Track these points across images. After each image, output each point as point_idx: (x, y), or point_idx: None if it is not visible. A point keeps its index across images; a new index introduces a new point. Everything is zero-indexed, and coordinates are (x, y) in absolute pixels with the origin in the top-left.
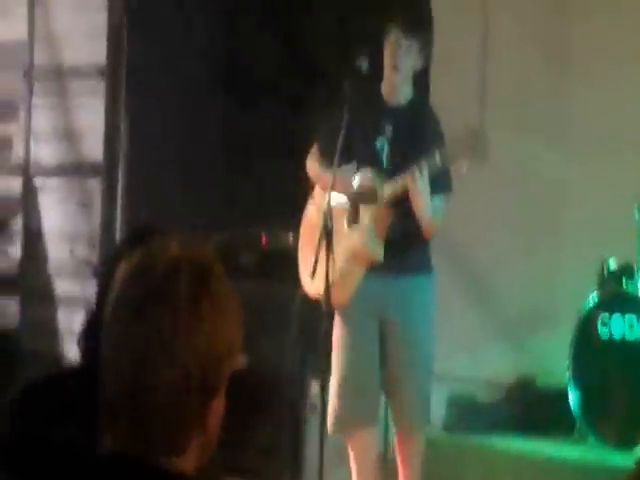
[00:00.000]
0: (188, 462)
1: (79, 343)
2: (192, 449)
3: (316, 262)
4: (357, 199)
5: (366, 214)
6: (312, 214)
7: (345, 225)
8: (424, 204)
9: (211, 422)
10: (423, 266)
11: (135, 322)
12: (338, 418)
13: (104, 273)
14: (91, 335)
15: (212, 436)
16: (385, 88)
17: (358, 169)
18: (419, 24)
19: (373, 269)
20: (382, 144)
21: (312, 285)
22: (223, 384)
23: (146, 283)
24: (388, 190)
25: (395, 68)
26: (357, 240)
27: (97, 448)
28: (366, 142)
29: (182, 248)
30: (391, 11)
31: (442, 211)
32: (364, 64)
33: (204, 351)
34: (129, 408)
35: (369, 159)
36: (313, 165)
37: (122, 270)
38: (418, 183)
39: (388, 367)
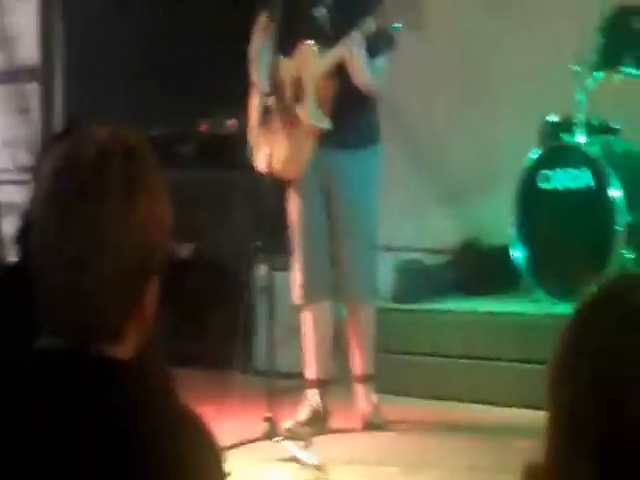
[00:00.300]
0: (126, 350)
1: (14, 243)
2: (130, 336)
3: (255, 143)
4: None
5: (312, 87)
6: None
7: (290, 100)
8: (360, 69)
9: (147, 307)
10: (369, 139)
11: (67, 213)
12: (300, 289)
13: (34, 171)
14: (25, 234)
15: (148, 321)
16: None
17: (303, 40)
18: None
19: (321, 143)
20: (322, 13)
21: (262, 164)
22: (157, 268)
23: (76, 174)
24: (327, 60)
25: None
26: (302, 113)
27: (33, 345)
28: (307, 12)
29: (110, 135)
30: None
31: (384, 71)
32: None
33: (138, 237)
34: (64, 300)
35: (312, 29)
36: (254, 41)
37: (49, 163)
38: (352, 49)
39: (333, 239)
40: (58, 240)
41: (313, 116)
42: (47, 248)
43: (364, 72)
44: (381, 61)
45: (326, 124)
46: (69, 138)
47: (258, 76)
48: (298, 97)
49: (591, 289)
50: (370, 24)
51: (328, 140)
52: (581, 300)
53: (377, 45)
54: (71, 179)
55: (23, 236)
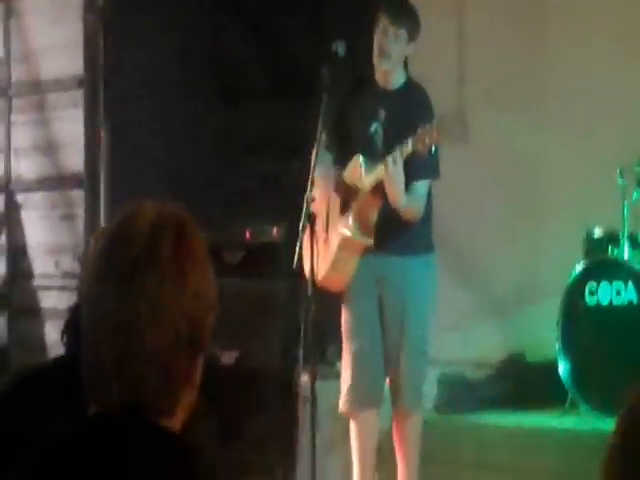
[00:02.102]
0: (176, 423)
1: (64, 333)
2: (179, 411)
3: (300, 250)
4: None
5: (356, 202)
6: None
7: (338, 212)
8: (395, 191)
9: (195, 382)
10: (418, 246)
11: (121, 289)
12: (347, 396)
13: (85, 257)
14: (72, 327)
15: (194, 393)
16: (378, 75)
17: (356, 154)
18: (406, 12)
19: (375, 248)
20: (376, 128)
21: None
22: (205, 343)
23: (129, 248)
24: (371, 176)
25: (384, 55)
26: (345, 228)
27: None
28: (362, 127)
29: (157, 211)
30: (380, 6)
31: (423, 196)
32: (340, 49)
33: (190, 308)
34: (119, 375)
35: (364, 144)
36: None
37: (101, 239)
38: (390, 171)
39: (385, 347)
40: (112, 313)
41: (354, 231)
42: (101, 321)
43: (398, 193)
44: (421, 185)
45: (367, 240)
46: (120, 215)
47: (310, 184)
48: (344, 210)
49: (632, 403)
50: (408, 145)
51: (382, 246)
52: (622, 414)
53: (418, 168)
54: (125, 253)
55: (71, 329)
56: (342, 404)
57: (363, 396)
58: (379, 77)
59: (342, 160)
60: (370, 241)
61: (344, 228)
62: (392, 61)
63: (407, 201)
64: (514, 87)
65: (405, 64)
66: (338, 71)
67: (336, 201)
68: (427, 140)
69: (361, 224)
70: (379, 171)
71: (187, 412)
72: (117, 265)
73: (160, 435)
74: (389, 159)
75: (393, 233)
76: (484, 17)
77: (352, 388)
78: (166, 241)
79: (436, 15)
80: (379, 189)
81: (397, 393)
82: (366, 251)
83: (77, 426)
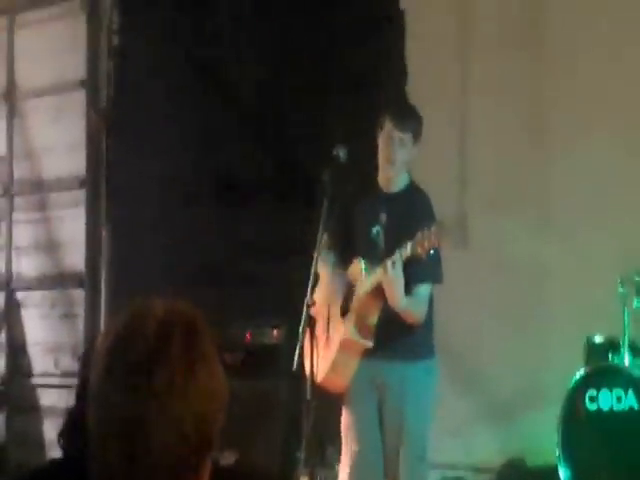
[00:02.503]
0: None
1: (62, 435)
2: None
3: (301, 350)
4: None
5: (356, 304)
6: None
7: (339, 314)
8: (395, 296)
9: (205, 477)
10: (420, 352)
11: (129, 387)
12: None
13: (87, 359)
14: (76, 426)
15: None
16: (381, 179)
17: (357, 257)
18: (410, 115)
19: (372, 354)
20: (378, 231)
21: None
22: (213, 443)
23: (139, 346)
24: (371, 279)
25: (390, 162)
26: (345, 330)
27: None
28: (363, 230)
29: (167, 308)
30: (384, 112)
31: (425, 300)
32: (342, 153)
33: (199, 409)
34: (126, 474)
35: (366, 247)
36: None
37: (107, 339)
38: (389, 274)
39: (385, 451)
40: (119, 411)
41: (353, 333)
42: (108, 419)
43: (397, 296)
44: (424, 289)
45: (367, 342)
46: (129, 311)
47: (310, 288)
48: (346, 310)
49: None
50: (407, 249)
51: (379, 351)
52: None
53: (420, 272)
54: (134, 351)
55: (69, 431)
56: None
57: None
58: (381, 180)
59: (344, 262)
60: (370, 344)
61: (344, 330)
62: (397, 166)
63: (407, 303)
64: (515, 192)
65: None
66: (340, 176)
67: (337, 303)
68: (426, 244)
69: (361, 326)
70: (378, 274)
71: None
72: (126, 362)
73: None
74: (388, 262)
75: (394, 337)
76: (486, 121)
77: None
78: (176, 339)
79: (438, 119)
80: (379, 291)
81: None
82: (366, 354)
83: None
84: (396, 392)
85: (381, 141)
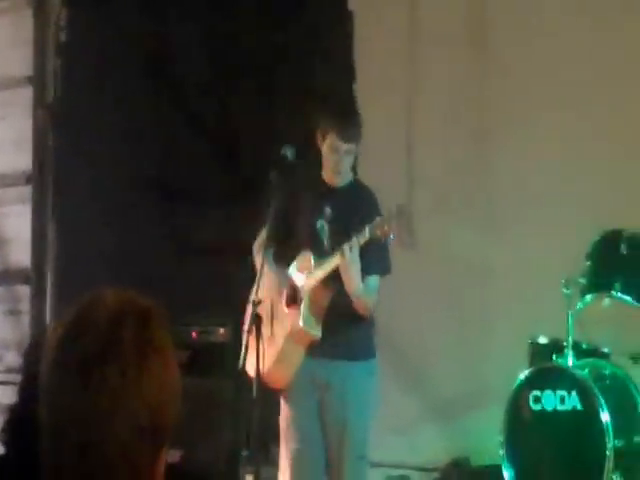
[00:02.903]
0: None
1: (4, 431)
2: None
3: (245, 353)
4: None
5: (306, 294)
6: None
7: (284, 305)
8: (353, 280)
9: (161, 474)
10: (362, 352)
11: (80, 383)
12: None
13: (31, 355)
14: (19, 422)
15: None
16: (327, 177)
17: (303, 250)
18: (354, 124)
19: (312, 352)
20: (322, 225)
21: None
22: (168, 435)
23: (90, 339)
24: (322, 268)
25: (337, 172)
26: (294, 319)
27: None
28: (307, 224)
29: (119, 298)
30: (327, 121)
31: (375, 291)
32: (289, 153)
33: (153, 401)
34: (79, 468)
35: (310, 240)
36: (256, 252)
37: (58, 331)
38: (347, 258)
39: (325, 451)
40: (71, 405)
41: (305, 321)
42: (60, 413)
43: (355, 279)
44: (374, 280)
45: (317, 332)
46: (80, 302)
47: (256, 286)
48: (290, 304)
49: None
50: (365, 233)
51: (322, 350)
52: None
53: (371, 263)
54: (85, 343)
55: (11, 427)
56: None
57: None
58: (326, 175)
59: (283, 257)
60: (319, 334)
61: (292, 321)
62: (344, 174)
63: (363, 290)
64: (462, 192)
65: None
66: (287, 175)
67: (280, 299)
68: (385, 228)
69: (309, 317)
70: (332, 261)
71: None
72: (76, 355)
73: None
74: (346, 246)
75: (337, 336)
76: (433, 121)
77: None
78: (128, 329)
79: (386, 119)
80: (329, 281)
81: None
82: (308, 352)
83: None
84: (338, 391)
85: (325, 150)
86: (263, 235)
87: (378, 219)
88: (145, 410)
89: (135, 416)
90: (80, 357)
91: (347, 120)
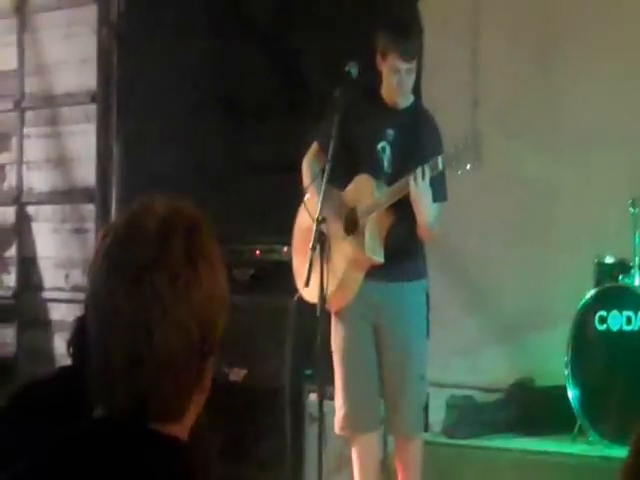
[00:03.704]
0: (184, 430)
1: (71, 344)
2: (188, 416)
3: (309, 271)
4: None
5: (366, 218)
6: (303, 220)
7: (342, 231)
8: (426, 208)
9: (205, 386)
10: (416, 273)
11: (130, 289)
12: (343, 421)
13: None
14: (85, 333)
15: (203, 398)
16: (388, 98)
17: (360, 172)
18: (415, 49)
19: (369, 275)
20: (383, 147)
21: (309, 292)
22: (216, 345)
23: (140, 247)
24: (388, 194)
25: (400, 92)
26: (357, 245)
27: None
28: (368, 145)
29: (169, 207)
30: (386, 41)
31: (437, 219)
32: (353, 70)
33: (202, 309)
34: (129, 377)
35: (370, 163)
36: (307, 168)
37: (107, 239)
38: (420, 187)
39: (382, 373)
40: (121, 314)
41: (370, 248)
42: (109, 322)
43: (429, 210)
44: (435, 208)
45: (381, 258)
46: (129, 211)
47: (312, 204)
48: (351, 229)
49: None
50: (438, 164)
51: (377, 273)
52: (637, 433)
53: (433, 190)
54: (134, 251)
55: (77, 339)
56: (338, 429)
57: (360, 421)
58: (387, 96)
59: (339, 178)
60: (381, 259)
61: (354, 247)
62: (407, 94)
63: (434, 221)
64: (527, 113)
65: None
66: (351, 92)
67: (337, 221)
68: (461, 158)
69: (373, 243)
70: (400, 188)
71: (195, 418)
72: (126, 264)
73: (165, 445)
74: (418, 173)
75: (393, 261)
76: (497, 42)
77: (348, 414)
78: (178, 240)
79: (449, 40)
80: (395, 206)
81: (397, 419)
82: (367, 274)
83: (81, 429)
84: (393, 313)
85: (386, 71)
86: (314, 148)
87: (453, 150)
88: (194, 320)
89: (184, 326)
90: (130, 264)
91: (406, 39)
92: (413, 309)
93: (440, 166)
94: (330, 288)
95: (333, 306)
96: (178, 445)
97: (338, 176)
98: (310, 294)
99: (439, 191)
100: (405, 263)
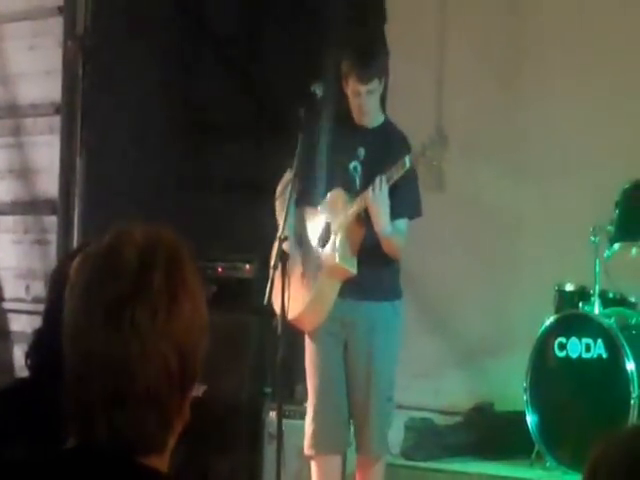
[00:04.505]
0: (164, 461)
1: (29, 356)
2: (168, 447)
3: (271, 285)
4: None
5: (340, 231)
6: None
7: (317, 244)
8: (380, 218)
9: (187, 411)
10: (391, 291)
11: (109, 324)
12: (311, 438)
13: (56, 278)
14: (43, 346)
15: (182, 425)
16: (356, 119)
17: (330, 188)
18: (375, 71)
19: (342, 293)
20: (355, 166)
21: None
22: (198, 369)
23: (118, 283)
24: (355, 205)
25: (363, 113)
26: (329, 254)
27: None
28: (340, 165)
29: (147, 237)
30: (346, 65)
31: (404, 233)
32: (318, 90)
33: (182, 340)
34: (109, 412)
35: (342, 181)
36: (280, 195)
37: (83, 272)
38: (377, 196)
39: (349, 391)
40: (100, 349)
41: (342, 257)
42: (88, 358)
43: (383, 217)
44: (402, 222)
45: (353, 268)
46: (105, 240)
47: (281, 222)
48: (324, 243)
49: (600, 445)
50: (393, 171)
51: (349, 290)
52: (591, 456)
53: (401, 205)
54: (113, 285)
55: (35, 352)
56: (306, 448)
57: (327, 441)
58: (357, 118)
59: (310, 195)
60: (354, 270)
61: (328, 258)
62: (371, 113)
63: (392, 231)
64: (491, 137)
65: (382, 100)
66: (316, 112)
67: (311, 236)
68: (427, 153)
69: (345, 254)
70: (364, 197)
71: (172, 448)
72: (106, 298)
73: (149, 478)
74: (376, 182)
75: (365, 278)
76: (463, 65)
77: (316, 432)
78: (158, 272)
79: (415, 63)
80: (362, 219)
81: (363, 439)
82: (340, 292)
83: (57, 457)
84: (364, 332)
85: (349, 93)
86: (287, 177)
87: (419, 146)
88: (174, 352)
89: (165, 360)
90: (110, 299)
91: (363, 62)
92: (383, 330)
93: (407, 164)
94: (302, 304)
95: (306, 325)
96: (161, 478)
97: (313, 193)
98: (291, 311)
99: (409, 206)
100: (378, 279)
